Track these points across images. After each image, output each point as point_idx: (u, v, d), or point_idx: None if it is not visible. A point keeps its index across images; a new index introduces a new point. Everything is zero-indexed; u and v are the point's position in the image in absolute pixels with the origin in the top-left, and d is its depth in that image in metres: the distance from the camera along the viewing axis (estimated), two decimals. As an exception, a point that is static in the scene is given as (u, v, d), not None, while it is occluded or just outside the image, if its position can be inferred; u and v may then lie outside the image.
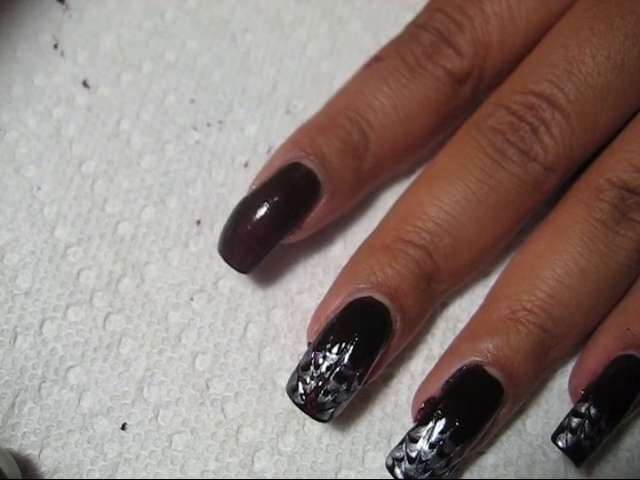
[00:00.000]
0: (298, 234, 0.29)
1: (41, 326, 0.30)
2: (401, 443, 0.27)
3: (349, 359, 0.27)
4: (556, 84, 0.28)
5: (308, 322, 0.31)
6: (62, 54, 0.35)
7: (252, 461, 0.29)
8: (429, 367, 0.30)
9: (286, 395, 0.30)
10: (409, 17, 0.33)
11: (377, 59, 0.31)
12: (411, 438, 0.27)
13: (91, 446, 0.29)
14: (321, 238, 0.32)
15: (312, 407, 0.27)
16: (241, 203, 0.29)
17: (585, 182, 0.29)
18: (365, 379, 0.27)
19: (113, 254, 0.31)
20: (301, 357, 0.28)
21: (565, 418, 0.28)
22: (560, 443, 0.27)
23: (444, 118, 0.31)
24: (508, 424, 0.29)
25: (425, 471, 0.27)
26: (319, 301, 0.31)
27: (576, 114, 0.28)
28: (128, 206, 0.32)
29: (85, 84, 0.34)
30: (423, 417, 0.27)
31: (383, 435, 0.29)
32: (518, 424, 0.30)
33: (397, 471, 0.27)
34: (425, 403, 0.28)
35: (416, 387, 0.30)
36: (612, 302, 0.29)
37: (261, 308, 0.31)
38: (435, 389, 0.28)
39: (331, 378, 0.27)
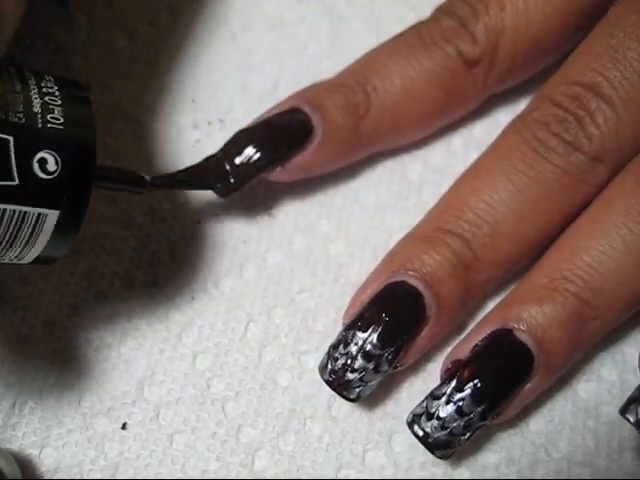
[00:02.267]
0: (283, 174, 0.30)
1: (41, 326, 0.30)
2: (423, 401, 0.28)
3: (377, 338, 0.27)
4: (600, 72, 0.28)
5: (309, 322, 0.31)
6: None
7: (253, 460, 0.29)
8: (430, 365, 0.30)
9: (286, 394, 0.30)
10: (411, 16, 0.33)
11: (399, 35, 0.32)
12: (433, 395, 0.27)
13: (91, 446, 0.29)
14: (321, 238, 0.32)
15: (339, 385, 0.27)
16: (236, 133, 0.30)
17: (637, 156, 0.28)
18: (395, 362, 0.27)
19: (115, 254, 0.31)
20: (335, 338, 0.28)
21: (635, 390, 0.27)
22: (631, 417, 0.27)
23: (450, 98, 0.31)
24: (510, 422, 0.29)
25: (443, 429, 0.27)
26: (319, 301, 0.31)
27: (622, 101, 0.28)
28: (128, 205, 0.32)
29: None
30: (448, 376, 0.27)
31: (383, 434, 0.29)
32: (520, 422, 0.29)
33: (416, 428, 0.27)
34: (452, 363, 0.28)
35: (417, 385, 0.30)
36: None
37: (262, 307, 0.31)
38: (463, 352, 0.28)
39: (359, 356, 0.27)
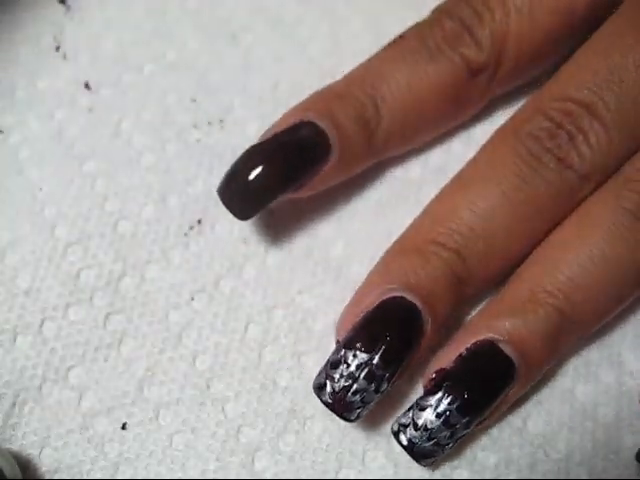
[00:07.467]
0: (302, 191, 0.30)
1: (41, 326, 0.30)
2: (409, 410, 0.27)
3: (380, 359, 0.26)
4: (596, 92, 0.28)
5: (308, 322, 0.31)
6: (64, 57, 0.35)
7: (252, 461, 0.29)
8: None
9: (286, 394, 0.30)
10: (410, 16, 0.33)
11: (401, 38, 0.31)
12: (419, 406, 0.27)
13: (91, 446, 0.29)
14: (321, 238, 0.32)
15: (340, 406, 0.27)
16: (248, 150, 0.29)
17: (617, 172, 0.28)
18: (394, 380, 0.27)
19: (113, 253, 0.31)
20: (330, 354, 0.27)
21: None
22: None
23: (455, 105, 0.31)
24: (509, 423, 0.29)
25: (429, 439, 0.27)
26: (319, 301, 0.31)
27: (614, 124, 0.28)
28: (128, 204, 0.32)
29: (87, 86, 0.34)
30: (433, 387, 0.27)
31: (383, 434, 0.29)
32: (519, 423, 0.29)
33: (402, 437, 0.27)
34: (436, 373, 0.28)
35: (418, 386, 0.30)
36: (635, 292, 0.28)
37: (261, 308, 0.31)
38: (447, 361, 0.28)
39: (361, 377, 0.26)
